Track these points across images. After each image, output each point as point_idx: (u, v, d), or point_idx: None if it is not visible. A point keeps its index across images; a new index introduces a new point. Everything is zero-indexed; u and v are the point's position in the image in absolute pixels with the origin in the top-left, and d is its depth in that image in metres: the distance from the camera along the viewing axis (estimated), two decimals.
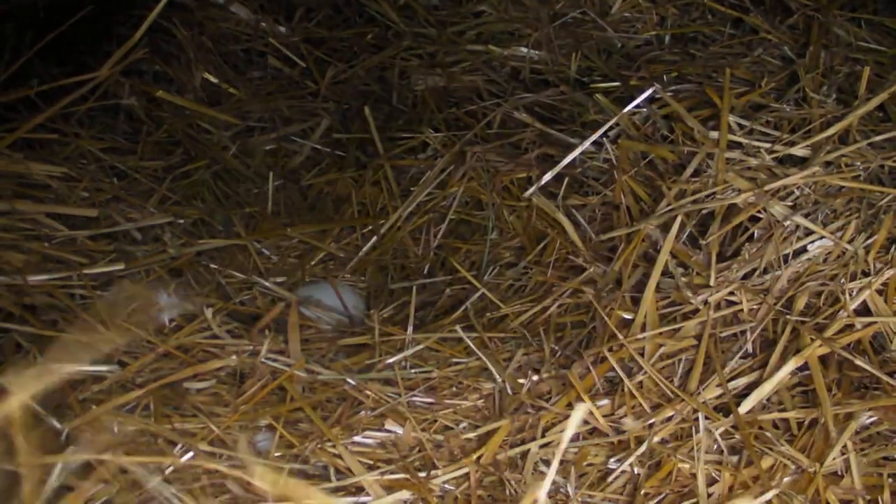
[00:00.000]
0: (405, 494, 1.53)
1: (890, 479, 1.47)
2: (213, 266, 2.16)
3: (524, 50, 2.71)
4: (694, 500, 1.50)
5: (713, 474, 1.51)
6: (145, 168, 2.38)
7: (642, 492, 1.52)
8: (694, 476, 1.52)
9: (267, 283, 2.12)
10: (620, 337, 1.67)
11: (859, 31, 2.40)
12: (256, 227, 2.35)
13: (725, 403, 1.56)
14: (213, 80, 2.69)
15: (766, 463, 1.50)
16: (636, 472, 1.56)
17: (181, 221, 2.25)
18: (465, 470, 1.56)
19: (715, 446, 1.54)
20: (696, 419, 1.57)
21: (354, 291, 2.20)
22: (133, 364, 1.72)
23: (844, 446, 1.47)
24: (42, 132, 2.23)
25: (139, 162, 2.37)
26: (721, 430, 1.54)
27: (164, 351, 1.76)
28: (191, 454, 1.54)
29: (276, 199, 2.45)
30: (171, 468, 1.53)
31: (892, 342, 1.60)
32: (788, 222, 1.74)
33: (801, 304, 1.66)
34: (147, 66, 2.66)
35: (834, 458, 1.46)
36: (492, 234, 2.20)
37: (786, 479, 1.48)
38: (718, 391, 1.59)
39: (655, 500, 1.52)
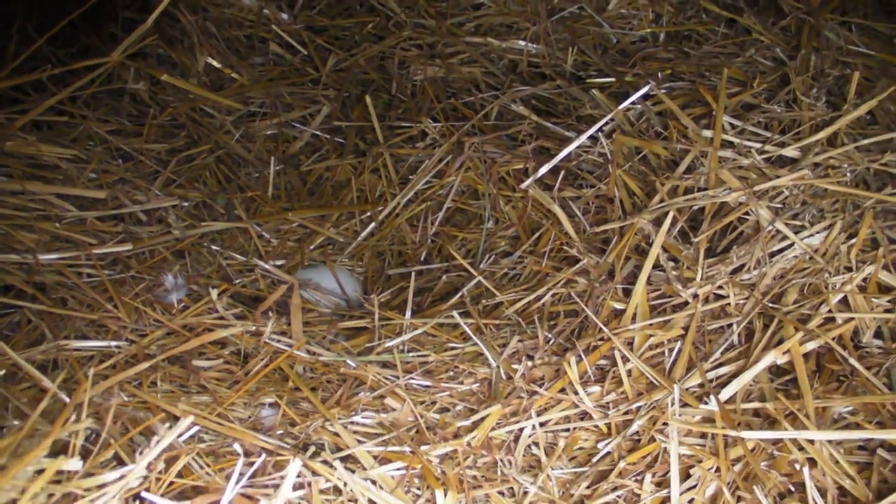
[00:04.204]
0: (400, 465, 1.59)
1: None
2: (214, 248, 2.21)
3: (522, 43, 2.76)
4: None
5: (698, 457, 1.57)
6: (150, 151, 2.42)
7: (622, 465, 1.58)
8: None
9: (267, 266, 2.17)
10: (606, 331, 1.73)
11: (850, 34, 2.45)
12: (257, 211, 2.40)
13: (710, 391, 1.62)
14: (217, 64, 2.72)
15: (741, 451, 1.56)
16: (620, 454, 1.63)
17: (185, 204, 2.30)
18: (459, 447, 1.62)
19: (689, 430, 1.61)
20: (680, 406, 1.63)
21: (352, 276, 2.25)
22: (141, 341, 1.78)
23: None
24: (51, 114, 2.28)
25: (144, 144, 2.42)
26: (700, 417, 1.60)
27: (170, 329, 1.82)
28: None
29: (276, 184, 2.50)
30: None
31: (864, 336, 1.67)
32: (776, 224, 1.81)
33: (789, 299, 1.72)
34: (152, 49, 2.70)
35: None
36: (488, 224, 2.25)
37: (762, 464, 1.55)
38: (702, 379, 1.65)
39: (633, 476, 1.59)
